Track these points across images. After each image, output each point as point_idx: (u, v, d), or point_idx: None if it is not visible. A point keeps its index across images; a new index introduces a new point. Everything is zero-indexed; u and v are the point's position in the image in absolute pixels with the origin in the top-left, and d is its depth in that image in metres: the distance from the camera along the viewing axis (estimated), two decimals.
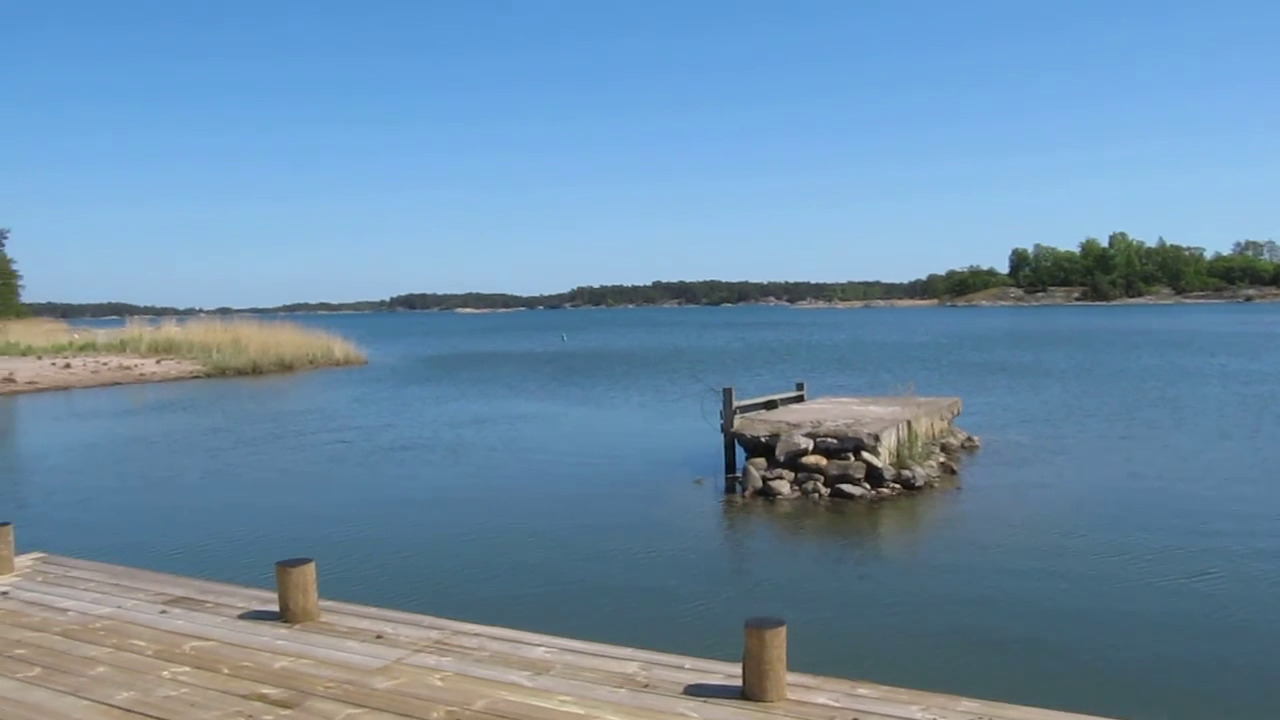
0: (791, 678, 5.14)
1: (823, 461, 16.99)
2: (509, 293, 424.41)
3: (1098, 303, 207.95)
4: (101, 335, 62.84)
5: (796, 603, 10.92)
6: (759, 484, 16.90)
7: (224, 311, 79.26)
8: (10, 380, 42.85)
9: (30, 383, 43.08)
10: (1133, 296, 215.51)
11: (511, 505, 16.78)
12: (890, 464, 17.19)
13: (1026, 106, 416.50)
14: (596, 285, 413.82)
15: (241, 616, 6.84)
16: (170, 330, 59.09)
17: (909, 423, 18.58)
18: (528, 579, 12.17)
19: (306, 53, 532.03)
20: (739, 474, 17.86)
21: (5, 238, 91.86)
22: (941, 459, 18.95)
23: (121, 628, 6.66)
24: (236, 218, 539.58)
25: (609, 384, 41.91)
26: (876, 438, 17.08)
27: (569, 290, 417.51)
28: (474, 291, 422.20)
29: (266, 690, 5.40)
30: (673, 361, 56.26)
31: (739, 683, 5.11)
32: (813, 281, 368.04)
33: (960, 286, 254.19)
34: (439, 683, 5.44)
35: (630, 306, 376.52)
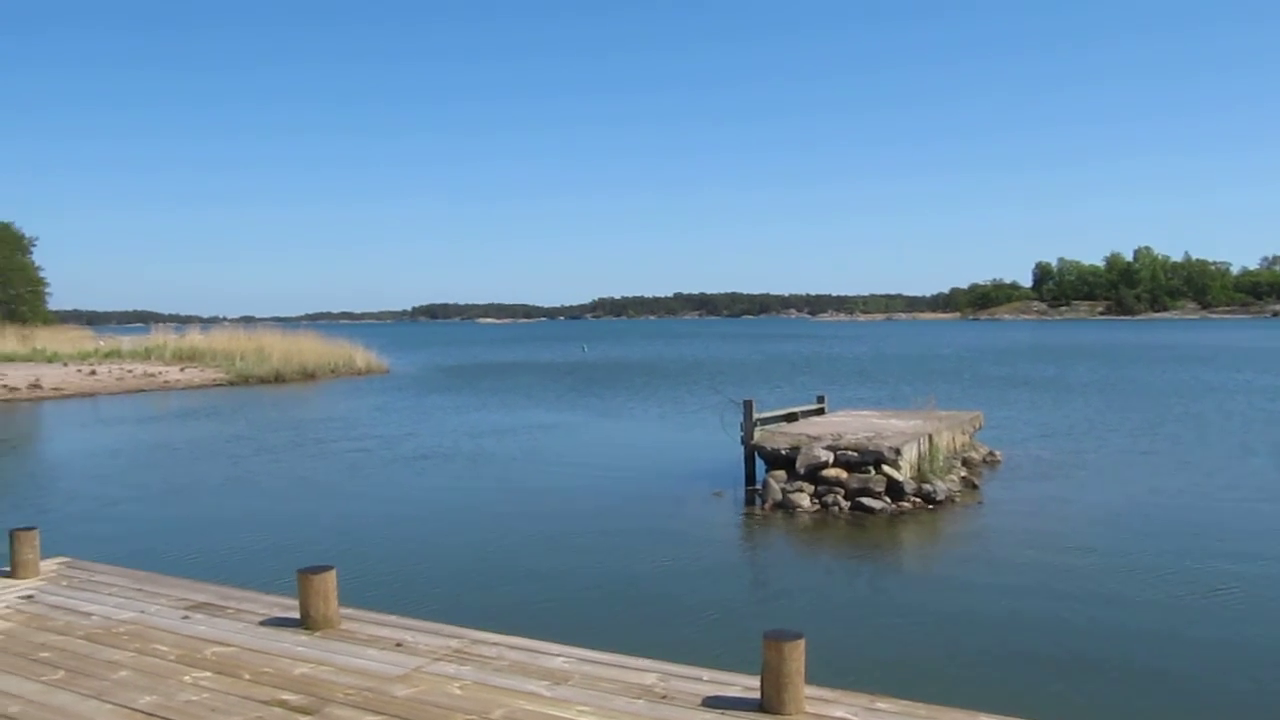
0: (810, 691, 5.14)
1: (843, 475, 16.94)
2: (530, 303, 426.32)
3: (1122, 317, 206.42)
4: (127, 342, 63.31)
5: (815, 616, 10.89)
6: (779, 496, 16.86)
7: (247, 320, 79.66)
8: (37, 386, 43.27)
9: (56, 389, 43.48)
10: (1158, 311, 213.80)
11: (531, 515, 16.80)
12: (911, 478, 17.12)
13: (1052, 121, 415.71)
14: (617, 296, 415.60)
15: (262, 623, 6.89)
16: (194, 338, 59.50)
17: (930, 436, 18.51)
18: (547, 589, 12.18)
19: (331, 60, 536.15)
20: (758, 486, 17.83)
21: (33, 245, 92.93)
22: (963, 473, 18.86)
23: (144, 632, 6.72)
24: (259, 226, 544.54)
25: (629, 395, 41.93)
26: (897, 451, 17.02)
27: (590, 301, 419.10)
28: (495, 301, 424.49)
29: (287, 696, 5.44)
30: (693, 373, 56.22)
31: (757, 695, 5.11)
32: (834, 294, 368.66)
33: (982, 300, 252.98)
34: (458, 691, 5.46)
35: (651, 318, 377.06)
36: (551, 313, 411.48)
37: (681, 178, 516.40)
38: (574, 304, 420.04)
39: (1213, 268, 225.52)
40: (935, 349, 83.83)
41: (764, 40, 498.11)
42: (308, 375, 52.47)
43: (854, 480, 16.79)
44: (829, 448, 17.31)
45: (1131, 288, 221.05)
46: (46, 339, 64.56)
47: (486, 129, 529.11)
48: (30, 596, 7.67)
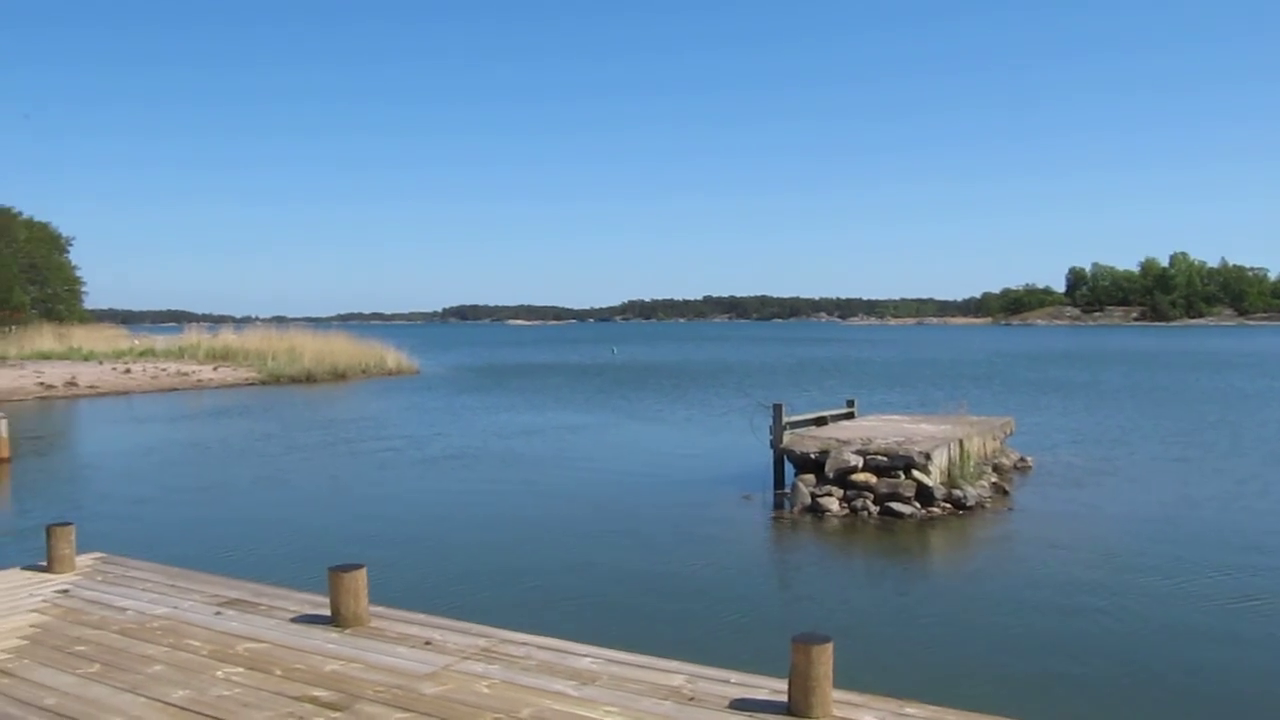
0: (838, 695, 5.12)
1: (872, 479, 16.86)
2: (560, 305, 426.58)
3: (1157, 323, 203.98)
4: (161, 342, 64.07)
5: (844, 619, 10.85)
6: (807, 500, 16.81)
7: (279, 320, 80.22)
8: (73, 384, 43.86)
9: (92, 387, 44.05)
10: (1193, 317, 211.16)
11: (559, 516, 16.85)
12: (941, 483, 17.02)
13: (1087, 127, 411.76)
14: (647, 299, 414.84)
15: (294, 620, 6.95)
16: (227, 338, 60.13)
17: (961, 442, 18.39)
18: (575, 589, 12.21)
19: (368, 60, 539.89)
20: (787, 490, 17.78)
21: (70, 245, 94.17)
22: (994, 479, 18.73)
23: (177, 628, 6.80)
24: (292, 228, 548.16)
25: (658, 397, 41.94)
26: (928, 456, 16.92)
27: (620, 303, 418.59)
28: (525, 303, 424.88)
29: (317, 693, 5.48)
30: (722, 376, 56.15)
31: (785, 699, 5.10)
32: (865, 298, 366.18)
33: (1015, 305, 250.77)
34: (486, 690, 5.49)
35: (680, 320, 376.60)
36: (581, 315, 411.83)
37: (713, 181, 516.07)
38: (604, 306, 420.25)
39: (1250, 273, 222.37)
40: (966, 353, 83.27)
41: (791, 44, 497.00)
42: (339, 375, 52.86)
43: (883, 485, 16.71)
44: (858, 452, 17.24)
45: (1166, 293, 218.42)
46: (83, 338, 65.45)
47: (520, 131, 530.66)
48: (66, 591, 7.78)
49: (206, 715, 5.18)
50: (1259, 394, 40.63)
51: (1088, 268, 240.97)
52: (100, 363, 54.01)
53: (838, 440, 18.10)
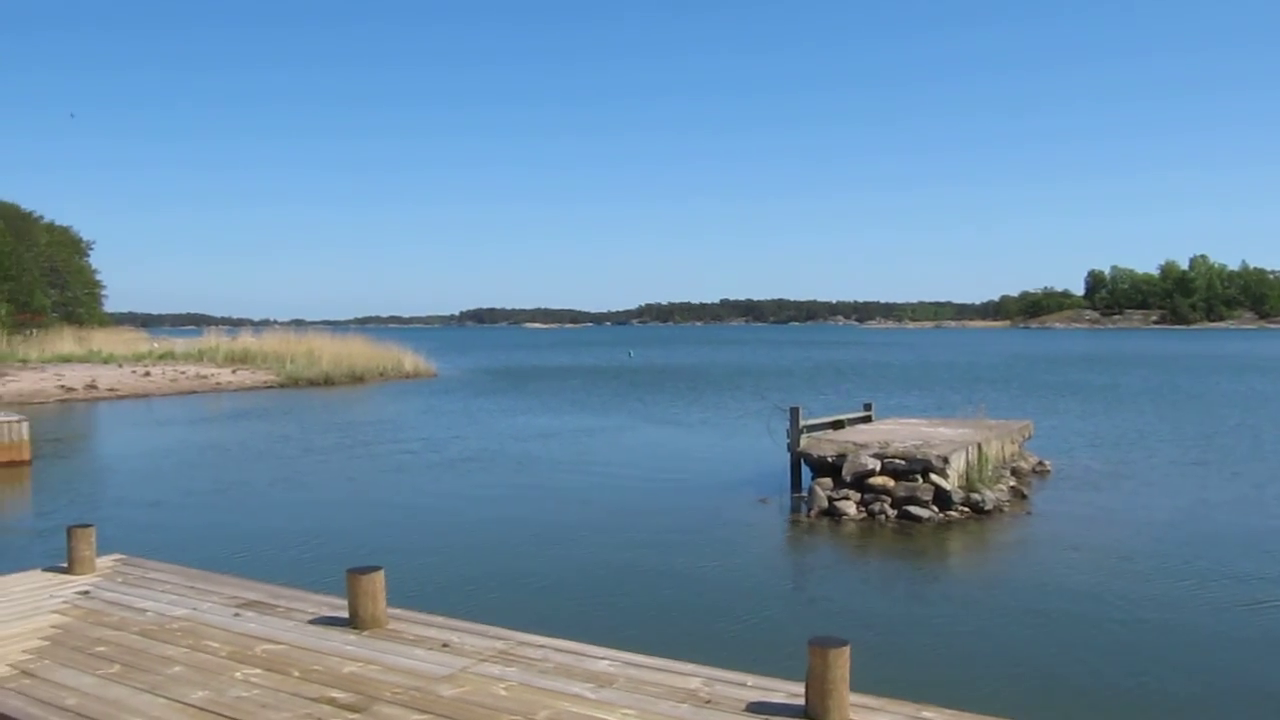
0: (855, 698, 5.11)
1: (890, 483, 16.81)
2: (577, 308, 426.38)
3: (1177, 327, 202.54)
4: (180, 345, 64.43)
5: (861, 623, 10.82)
6: (824, 504, 16.78)
7: (298, 323, 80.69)
8: (93, 387, 44.19)
9: (111, 389, 44.35)
10: (1214, 321, 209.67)
11: (576, 519, 16.86)
12: (959, 487, 16.95)
13: (1105, 131, 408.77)
14: (664, 302, 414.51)
15: (312, 621, 6.98)
16: (246, 341, 60.41)
17: (979, 445, 18.32)
18: (592, 592, 12.22)
19: (383, 63, 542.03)
20: (804, 493, 17.75)
21: (91, 249, 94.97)
22: (1012, 483, 18.64)
23: (196, 629, 6.84)
24: (310, 231, 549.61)
25: (674, 400, 41.93)
26: (945, 460, 16.86)
27: (637, 307, 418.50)
28: (542, 306, 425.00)
29: (335, 694, 5.51)
30: (738, 379, 56.10)
31: (801, 702, 5.09)
32: (882, 301, 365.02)
33: (1033, 308, 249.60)
34: (503, 692, 5.50)
35: (697, 324, 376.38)
36: (598, 318, 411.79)
37: (729, 184, 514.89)
38: (621, 309, 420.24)
39: (1271, 276, 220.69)
40: (984, 356, 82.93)
41: (807, 48, 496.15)
42: (356, 378, 53.07)
43: (901, 488, 16.66)
44: (876, 455, 17.19)
45: (1187, 296, 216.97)
46: (102, 341, 65.85)
47: (537, 134, 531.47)
48: (87, 592, 7.84)
49: (225, 716, 5.21)
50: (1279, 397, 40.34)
51: (1107, 271, 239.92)
52: (120, 366, 54.34)
53: (855, 443, 18.05)
